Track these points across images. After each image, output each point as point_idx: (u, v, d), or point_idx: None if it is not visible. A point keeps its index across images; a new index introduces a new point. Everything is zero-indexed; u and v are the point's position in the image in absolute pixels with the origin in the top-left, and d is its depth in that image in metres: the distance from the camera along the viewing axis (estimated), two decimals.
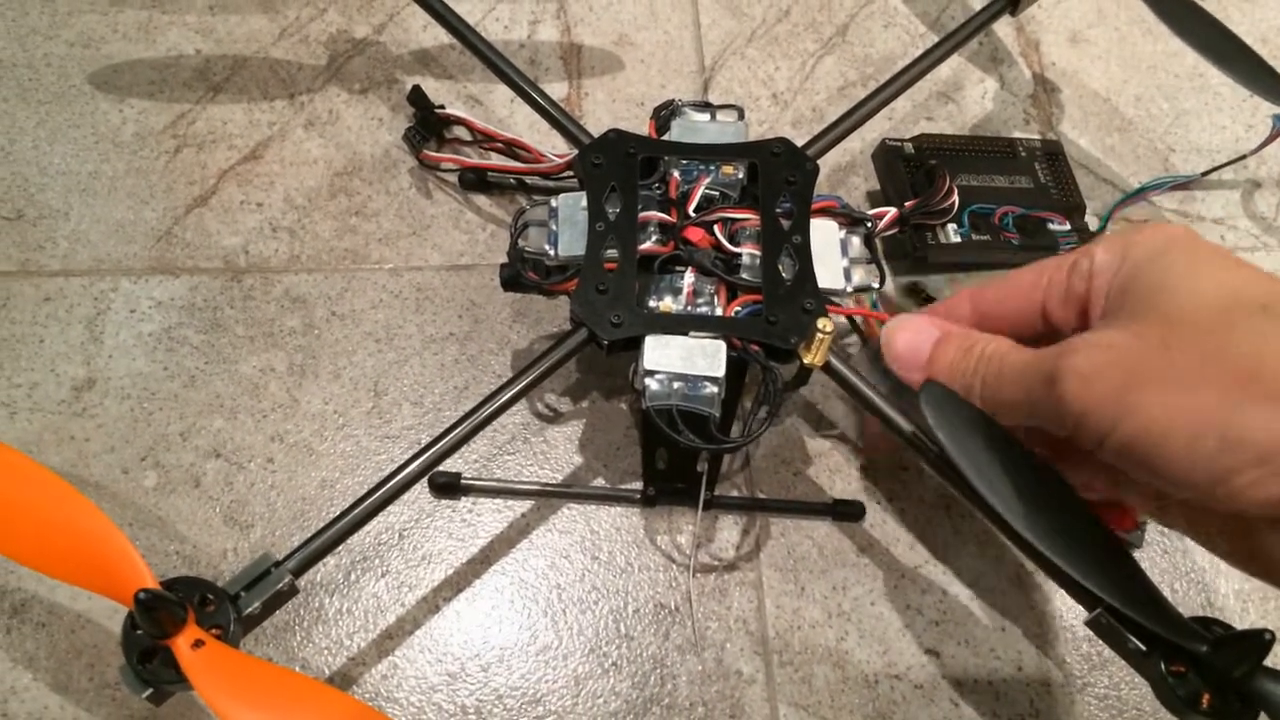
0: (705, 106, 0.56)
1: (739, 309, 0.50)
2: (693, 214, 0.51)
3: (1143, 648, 0.42)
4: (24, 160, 0.65)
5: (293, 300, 0.62)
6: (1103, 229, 0.64)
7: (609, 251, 0.50)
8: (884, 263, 0.55)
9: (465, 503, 0.57)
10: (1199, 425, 0.29)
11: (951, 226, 0.61)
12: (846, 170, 0.69)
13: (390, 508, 0.47)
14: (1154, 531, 0.58)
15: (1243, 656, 0.39)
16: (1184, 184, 0.69)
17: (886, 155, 0.65)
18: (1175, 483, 0.31)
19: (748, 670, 0.54)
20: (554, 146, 0.63)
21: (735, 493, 0.58)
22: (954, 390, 0.38)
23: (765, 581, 0.56)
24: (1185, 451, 0.30)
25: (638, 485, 0.57)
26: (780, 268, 0.50)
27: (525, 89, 0.59)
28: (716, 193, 0.53)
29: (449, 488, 0.57)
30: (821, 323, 0.46)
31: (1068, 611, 0.56)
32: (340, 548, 0.47)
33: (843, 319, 0.62)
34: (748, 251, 0.51)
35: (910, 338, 0.39)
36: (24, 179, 0.65)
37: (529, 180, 0.65)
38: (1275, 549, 0.33)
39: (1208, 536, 0.37)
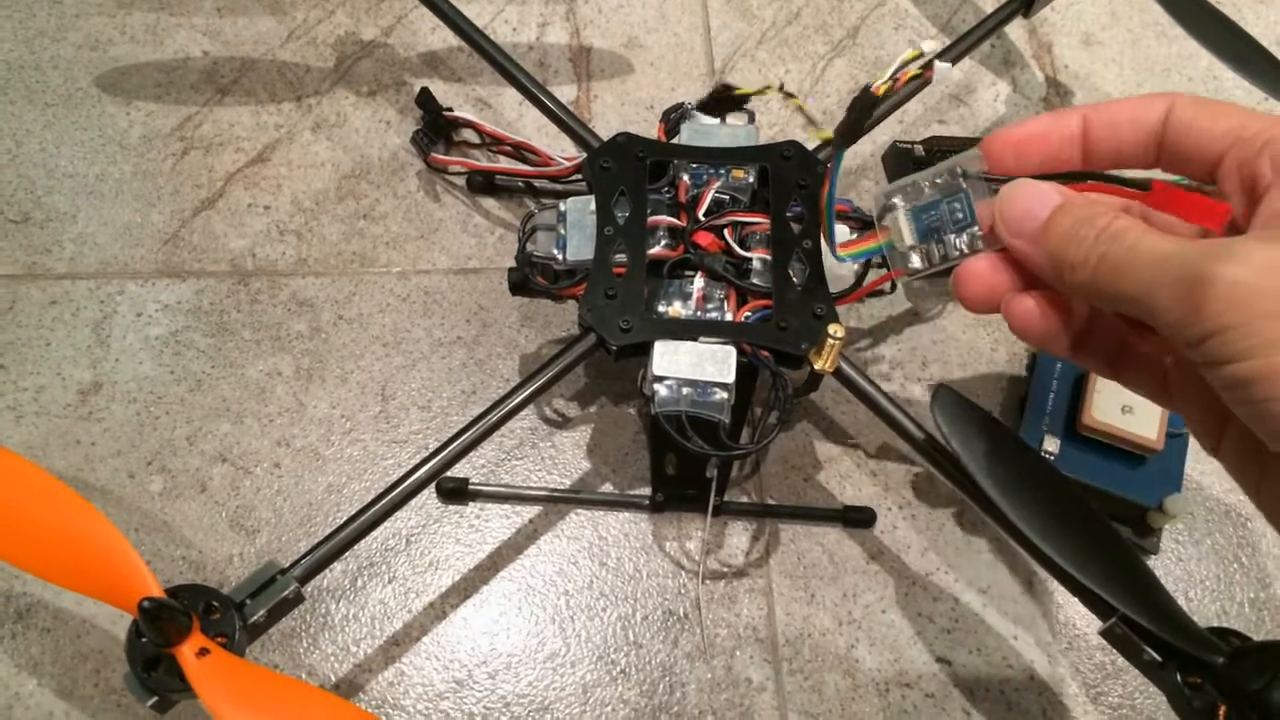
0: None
1: (749, 314, 0.49)
2: (702, 218, 0.51)
3: (1158, 658, 0.42)
4: (31, 163, 0.65)
5: (300, 304, 0.62)
6: None
7: (618, 256, 0.50)
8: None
9: (473, 508, 0.57)
10: None
11: None
12: (858, 173, 0.68)
13: (397, 513, 0.47)
14: (1169, 539, 0.58)
15: (1260, 668, 0.38)
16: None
17: (897, 158, 0.64)
18: (1274, 433, 0.27)
19: (757, 678, 0.53)
20: (563, 150, 0.63)
21: (745, 499, 0.58)
22: (1062, 259, 0.32)
23: (775, 588, 0.55)
24: None
25: (646, 491, 0.57)
26: (791, 272, 0.49)
27: (534, 92, 0.59)
28: (726, 196, 0.52)
29: (456, 493, 0.56)
30: (832, 328, 0.46)
31: (1081, 620, 0.55)
32: (347, 553, 0.46)
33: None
34: (758, 256, 0.50)
35: (1027, 202, 0.34)
36: (31, 181, 0.65)
37: (537, 184, 0.65)
38: None
39: (1254, 485, 0.34)
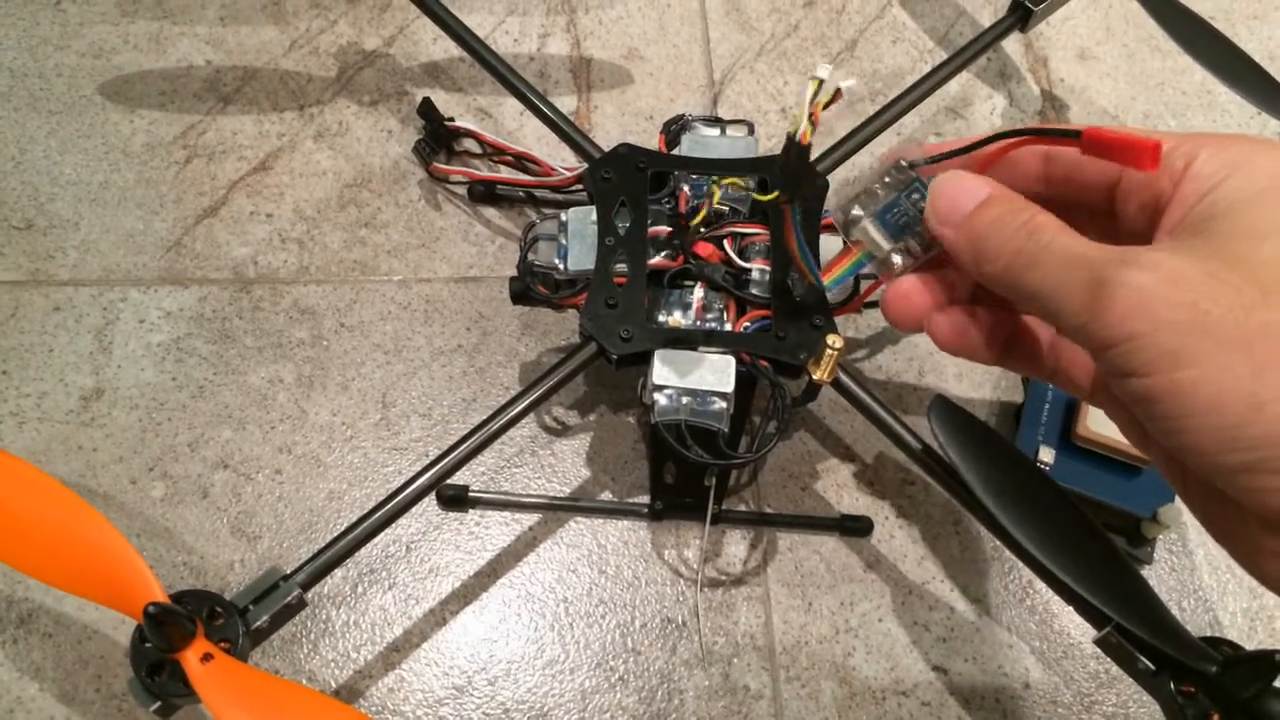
0: (715, 121, 0.56)
1: (748, 324, 0.50)
2: (702, 229, 0.51)
3: (1152, 667, 0.42)
4: (35, 170, 0.66)
5: (301, 311, 0.62)
6: None
7: (618, 266, 0.50)
8: None
9: (473, 515, 0.57)
10: (1252, 407, 0.26)
11: None
12: (848, 188, 0.69)
13: (398, 520, 0.47)
14: (1162, 549, 0.58)
15: (1253, 677, 0.39)
16: None
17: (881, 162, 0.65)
18: (1190, 450, 0.27)
19: (755, 685, 0.54)
20: (563, 160, 0.63)
21: (743, 507, 0.58)
22: (981, 248, 0.32)
23: (772, 596, 0.56)
24: (1222, 429, 0.26)
25: (645, 499, 0.57)
26: (790, 283, 0.50)
27: (535, 102, 0.59)
28: (726, 207, 0.53)
29: (457, 500, 0.57)
30: (830, 338, 0.46)
31: (1076, 629, 0.56)
32: (347, 560, 0.47)
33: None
34: (757, 267, 0.51)
35: (956, 193, 0.35)
36: (34, 189, 0.65)
37: (538, 193, 0.65)
38: (1262, 540, 0.31)
39: (1180, 485, 0.34)
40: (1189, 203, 0.30)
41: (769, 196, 0.46)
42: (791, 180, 0.41)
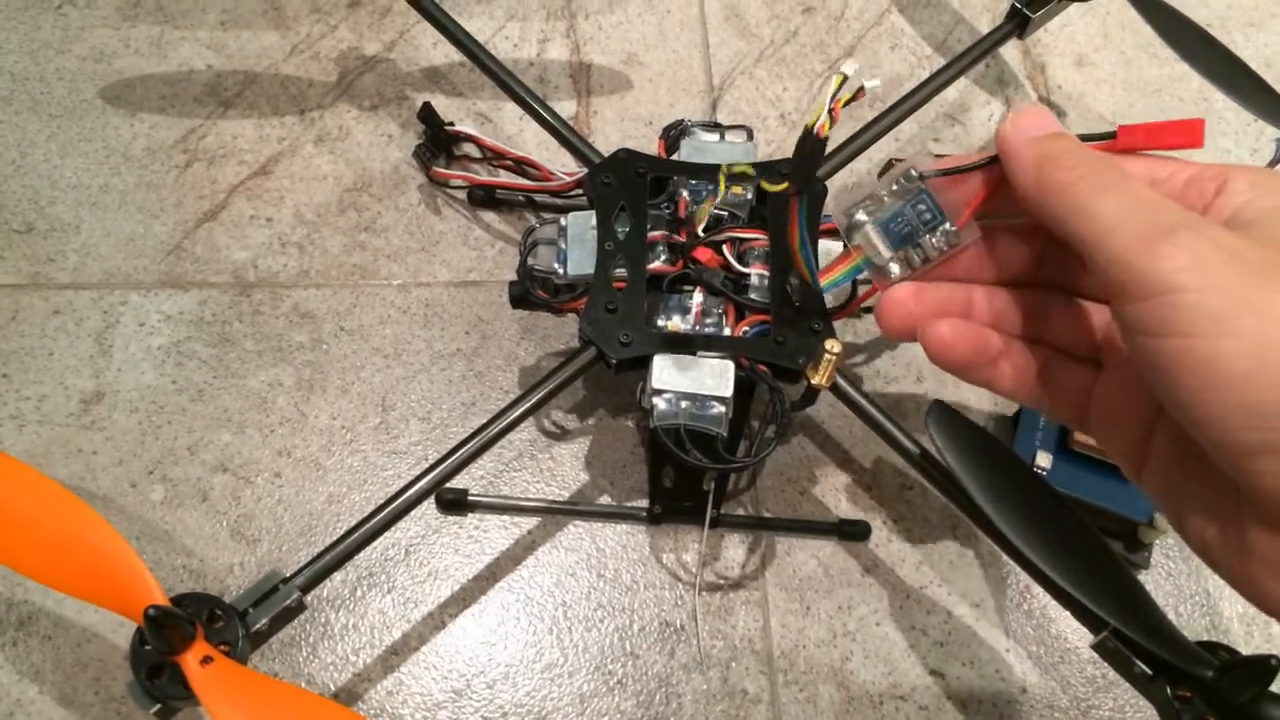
0: (714, 126, 0.57)
1: (747, 329, 0.50)
2: (702, 234, 0.52)
3: (1148, 672, 0.42)
4: (35, 173, 0.66)
5: (301, 315, 0.62)
6: None
7: (618, 270, 0.50)
8: None
9: (472, 519, 0.57)
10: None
11: None
12: (855, 190, 0.69)
13: (397, 523, 0.47)
14: (1159, 555, 0.58)
15: (1249, 682, 0.39)
16: None
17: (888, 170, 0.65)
18: (1210, 423, 0.26)
19: (753, 689, 0.54)
20: (563, 164, 0.63)
21: (741, 511, 0.58)
22: (1056, 160, 0.31)
23: (770, 600, 0.56)
24: (1251, 405, 0.26)
25: (644, 503, 0.58)
26: (788, 288, 0.50)
27: (534, 107, 0.60)
28: (725, 213, 0.53)
29: (456, 504, 0.57)
30: (829, 343, 0.46)
31: (1073, 634, 0.56)
32: (346, 563, 0.47)
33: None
34: (756, 272, 0.51)
35: (1042, 116, 0.34)
36: (35, 192, 0.65)
37: (538, 198, 0.65)
38: (1259, 544, 0.30)
39: (1175, 511, 0.33)
40: (1224, 214, 0.30)
41: (779, 187, 0.46)
42: (806, 173, 0.41)
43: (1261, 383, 0.25)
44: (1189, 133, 0.30)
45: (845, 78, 0.37)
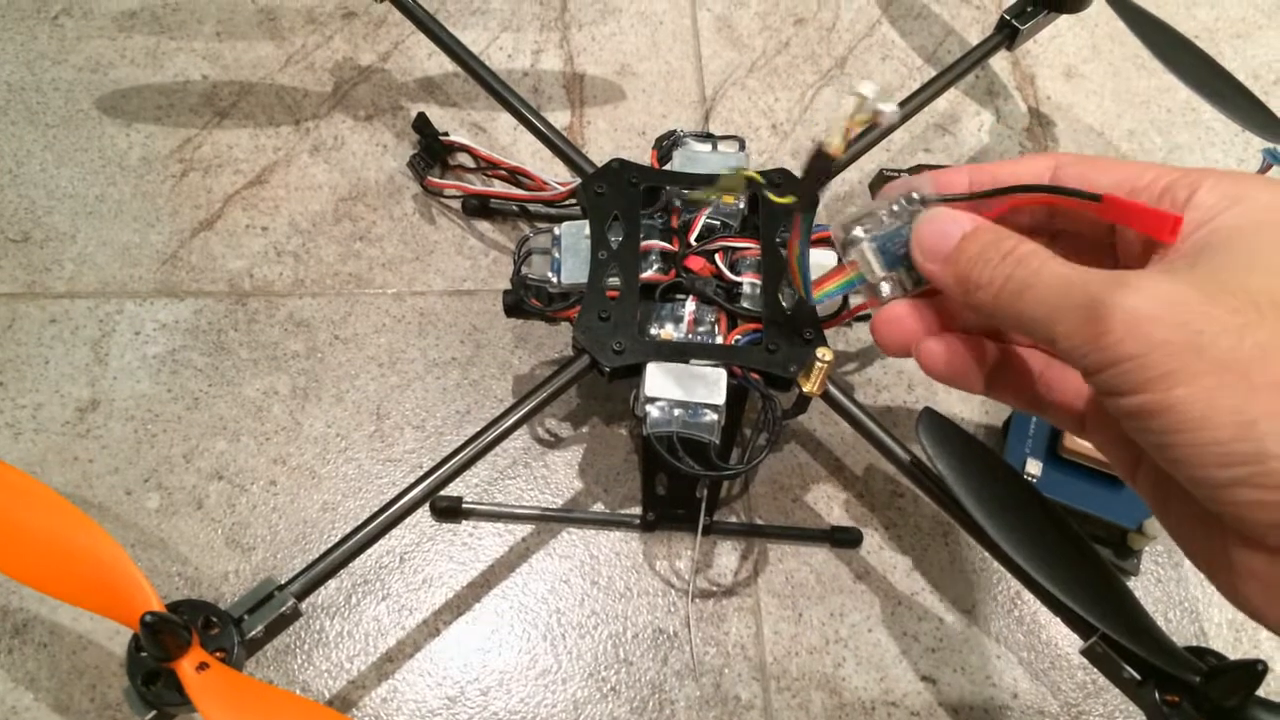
0: (707, 137, 0.57)
1: (739, 337, 0.50)
2: (694, 243, 0.52)
3: (1137, 676, 0.43)
4: (31, 183, 0.66)
5: (296, 324, 0.62)
6: None
7: (611, 279, 0.51)
8: None
9: (466, 527, 0.58)
10: (1243, 424, 0.26)
11: None
12: (845, 200, 0.69)
13: (391, 531, 0.47)
14: (1148, 561, 0.59)
15: (1236, 687, 0.39)
16: None
17: (884, 185, 0.65)
18: (1181, 464, 0.28)
19: (746, 696, 0.54)
20: (557, 174, 0.64)
21: (734, 518, 0.59)
22: (969, 279, 0.33)
23: (763, 607, 0.56)
24: (1213, 445, 0.27)
25: (637, 510, 0.58)
26: (780, 297, 0.51)
27: (528, 117, 0.60)
28: (718, 222, 0.53)
29: (450, 512, 0.57)
30: (820, 352, 0.47)
31: (1063, 639, 0.56)
32: (341, 570, 0.47)
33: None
34: (748, 280, 0.51)
35: (941, 225, 0.35)
36: (31, 201, 0.65)
37: (532, 208, 0.66)
38: (1239, 559, 0.31)
39: (1164, 512, 0.34)
40: (1188, 231, 0.30)
41: (786, 199, 0.46)
42: (812, 192, 0.41)
43: (1217, 423, 0.27)
44: (1166, 228, 0.31)
45: (863, 99, 0.38)
